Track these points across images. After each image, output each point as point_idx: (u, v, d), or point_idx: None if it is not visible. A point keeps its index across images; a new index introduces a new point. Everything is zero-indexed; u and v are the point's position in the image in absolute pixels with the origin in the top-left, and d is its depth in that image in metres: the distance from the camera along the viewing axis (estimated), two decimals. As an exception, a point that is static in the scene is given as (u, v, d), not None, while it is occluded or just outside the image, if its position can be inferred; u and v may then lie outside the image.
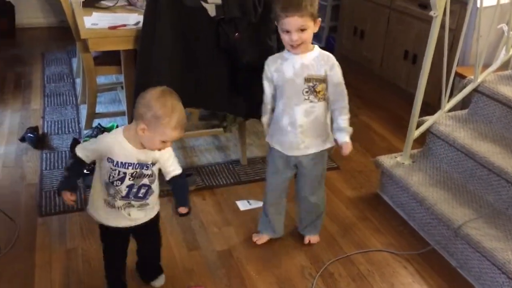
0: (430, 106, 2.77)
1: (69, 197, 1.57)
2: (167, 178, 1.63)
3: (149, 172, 1.57)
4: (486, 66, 2.54)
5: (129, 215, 1.62)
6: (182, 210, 1.66)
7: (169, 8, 2.07)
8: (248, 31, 2.16)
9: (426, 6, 3.18)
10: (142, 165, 1.54)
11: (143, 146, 1.52)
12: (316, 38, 4.75)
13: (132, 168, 1.53)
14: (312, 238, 2.12)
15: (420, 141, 2.48)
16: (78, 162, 1.56)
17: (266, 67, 1.83)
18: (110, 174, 1.53)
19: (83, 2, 2.59)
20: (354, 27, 4.09)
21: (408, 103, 2.44)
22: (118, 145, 1.51)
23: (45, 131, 2.91)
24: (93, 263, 1.93)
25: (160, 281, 1.86)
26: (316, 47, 1.79)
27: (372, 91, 3.81)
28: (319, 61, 1.76)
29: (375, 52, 3.86)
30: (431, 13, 2.05)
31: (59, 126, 2.98)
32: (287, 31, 1.68)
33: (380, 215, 2.35)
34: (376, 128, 3.21)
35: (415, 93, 2.28)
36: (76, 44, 2.84)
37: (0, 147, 2.73)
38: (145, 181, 1.58)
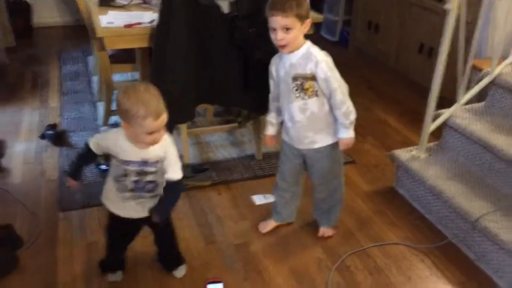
0: (446, 100, 2.75)
1: (72, 182, 1.67)
2: (164, 178, 1.61)
3: (152, 169, 1.59)
4: (502, 58, 2.51)
5: (139, 206, 1.65)
6: (154, 218, 1.61)
7: (183, 6, 2.09)
8: (262, 27, 2.17)
9: (441, -1, 3.15)
10: (145, 163, 1.57)
11: (141, 144, 1.54)
12: (330, 32, 4.75)
13: (135, 166, 1.56)
14: (325, 230, 2.13)
15: (436, 134, 2.47)
16: (87, 150, 1.61)
17: (270, 66, 1.88)
18: (116, 170, 1.59)
19: (99, 0, 2.62)
20: (369, 21, 4.08)
21: (423, 97, 2.43)
22: (119, 144, 1.55)
23: (64, 128, 2.96)
24: (113, 257, 1.97)
25: (180, 271, 1.90)
26: (306, 43, 1.77)
27: (386, 85, 3.79)
28: (304, 59, 1.76)
29: (390, 45, 3.84)
30: (446, 6, 2.04)
31: (77, 123, 3.03)
32: (274, 29, 1.70)
33: (396, 209, 2.35)
34: (391, 122, 3.20)
35: (431, 86, 2.27)
36: (92, 43, 2.88)
37: (20, 144, 2.79)
38: (150, 177, 1.60)
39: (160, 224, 1.66)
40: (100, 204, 2.24)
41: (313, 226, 2.20)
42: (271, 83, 1.91)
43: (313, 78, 1.76)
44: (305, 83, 1.77)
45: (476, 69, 2.75)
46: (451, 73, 2.59)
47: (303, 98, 1.80)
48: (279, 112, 1.95)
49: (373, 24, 4.03)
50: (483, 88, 2.49)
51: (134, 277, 1.89)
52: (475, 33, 2.35)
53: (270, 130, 2.01)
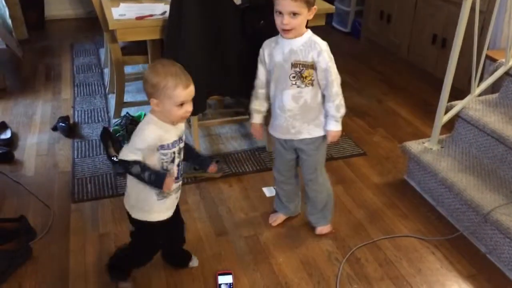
0: (459, 91, 2.72)
1: (172, 180, 1.53)
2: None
3: (183, 144, 1.60)
4: (518, 48, 2.47)
5: (175, 200, 1.65)
6: (212, 169, 1.71)
7: (194, -3, 2.08)
8: (273, 20, 2.16)
9: (455, -12, 3.10)
10: (180, 139, 1.57)
11: (178, 121, 1.53)
12: (342, 23, 4.71)
13: (177, 145, 1.55)
14: (324, 228, 2.10)
15: (448, 126, 2.44)
16: (139, 162, 1.47)
17: (261, 50, 1.83)
18: (162, 162, 1.52)
19: (110, -7, 2.63)
20: (381, 11, 4.03)
21: (436, 88, 2.41)
22: (163, 130, 1.50)
23: (76, 120, 2.99)
24: (124, 248, 1.99)
25: (195, 261, 1.92)
26: (308, 32, 1.76)
27: (398, 76, 3.75)
28: (307, 47, 1.73)
29: (403, 36, 3.80)
30: (460, -5, 2.01)
31: (89, 115, 3.06)
32: (280, 13, 1.66)
33: (407, 201, 2.33)
34: (402, 114, 3.18)
35: (443, 77, 2.24)
36: (104, 35, 2.90)
37: (33, 136, 2.82)
38: (182, 155, 1.61)
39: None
40: (113, 196, 2.30)
41: (324, 218, 2.20)
42: (260, 68, 1.85)
43: (313, 66, 1.74)
44: (304, 71, 1.74)
45: (490, 59, 2.71)
46: (464, 64, 2.56)
47: (298, 86, 1.77)
48: (266, 99, 1.90)
49: (385, 14, 3.98)
50: (497, 79, 2.45)
51: (147, 269, 1.90)
52: (490, 24, 2.31)
53: (257, 118, 1.94)
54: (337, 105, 1.81)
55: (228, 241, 2.06)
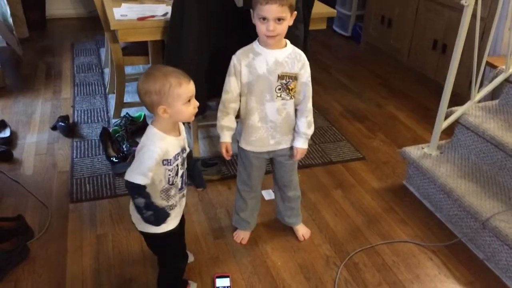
0: (459, 97, 2.72)
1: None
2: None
3: (186, 154, 1.57)
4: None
5: (182, 206, 1.63)
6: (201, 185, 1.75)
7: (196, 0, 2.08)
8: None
9: (457, -6, 3.11)
10: (183, 150, 1.53)
11: (176, 133, 1.49)
12: (343, 27, 4.72)
13: (180, 157, 1.51)
14: (303, 232, 2.09)
15: (447, 132, 2.45)
16: (144, 192, 1.42)
17: (235, 61, 1.72)
18: (167, 176, 1.48)
19: (112, -7, 2.63)
20: (382, 16, 4.04)
21: (435, 93, 2.41)
22: (168, 143, 1.45)
23: (75, 120, 2.99)
24: (122, 249, 1.99)
25: (191, 257, 1.91)
26: (289, 43, 1.71)
27: (398, 81, 3.76)
28: (293, 58, 1.70)
29: (403, 41, 3.80)
30: (462, 1, 2.01)
31: (89, 115, 3.05)
32: (264, 19, 1.59)
33: (406, 206, 2.33)
34: (402, 119, 3.18)
35: (443, 83, 2.24)
36: (105, 35, 2.89)
37: (32, 135, 2.82)
38: (185, 164, 1.58)
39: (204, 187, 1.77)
40: (111, 196, 2.29)
41: (321, 224, 2.19)
42: (233, 81, 1.73)
43: (297, 78, 1.72)
44: (290, 83, 1.71)
45: (490, 66, 2.72)
46: (464, 69, 2.56)
47: (283, 98, 1.73)
48: (235, 114, 1.80)
49: (386, 19, 3.99)
50: (497, 86, 2.46)
51: (144, 270, 1.90)
52: (491, 30, 2.31)
53: (228, 136, 1.82)
54: (309, 121, 1.80)
55: (226, 244, 2.06)
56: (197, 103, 1.47)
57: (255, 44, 1.72)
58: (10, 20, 3.82)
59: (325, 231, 2.15)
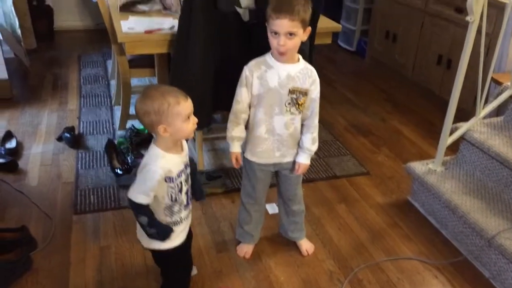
0: (464, 112, 2.72)
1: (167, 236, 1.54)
2: None
3: (189, 169, 1.57)
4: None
5: (188, 224, 1.63)
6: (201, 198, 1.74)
7: (203, 13, 2.10)
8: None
9: (462, 11, 3.13)
10: (186, 166, 1.54)
11: (178, 150, 1.50)
12: (348, 42, 4.74)
13: (184, 174, 1.52)
14: (307, 247, 2.08)
15: (452, 147, 2.44)
16: (147, 210, 1.46)
17: (247, 72, 1.72)
18: (170, 193, 1.48)
19: (120, 6, 2.66)
20: (386, 31, 4.06)
21: (440, 109, 2.41)
22: (169, 162, 1.46)
23: (81, 131, 3.00)
24: (125, 261, 1.98)
25: (194, 270, 1.91)
26: (301, 58, 1.73)
27: (403, 96, 3.76)
28: (304, 74, 1.71)
29: (408, 56, 3.82)
30: (468, 18, 2.02)
31: (94, 126, 3.07)
32: (275, 33, 1.60)
33: (410, 222, 2.32)
34: (407, 134, 3.17)
35: (448, 98, 2.24)
36: (112, 47, 2.92)
37: (38, 146, 2.83)
38: (189, 180, 1.58)
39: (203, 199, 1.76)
40: (115, 208, 2.29)
41: (325, 239, 2.18)
42: (244, 92, 1.73)
43: (307, 94, 1.73)
44: (300, 98, 1.72)
45: (495, 82, 2.72)
46: (469, 85, 2.56)
47: (292, 113, 1.74)
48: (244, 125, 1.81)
49: (391, 34, 4.01)
50: (503, 102, 2.46)
51: (147, 283, 1.89)
52: (496, 47, 2.32)
53: (239, 147, 1.83)
54: (314, 137, 1.81)
55: (229, 258, 2.05)
56: (196, 119, 1.47)
57: (268, 57, 1.73)
58: (19, 31, 3.86)
59: (328, 246, 2.14)
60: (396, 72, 4.01)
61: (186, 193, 1.56)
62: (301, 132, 1.82)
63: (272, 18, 1.59)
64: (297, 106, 1.73)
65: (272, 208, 2.35)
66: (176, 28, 2.22)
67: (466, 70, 2.15)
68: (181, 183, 1.50)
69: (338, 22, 4.16)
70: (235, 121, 1.80)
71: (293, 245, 2.12)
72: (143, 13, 2.66)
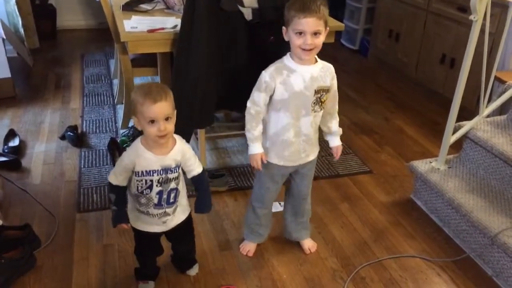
0: (467, 111, 2.72)
1: (124, 227, 1.67)
2: (189, 177, 1.68)
3: (174, 175, 1.60)
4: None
5: (164, 222, 1.68)
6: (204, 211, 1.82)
7: (206, 12, 2.10)
8: (282, 36, 2.18)
9: (466, 10, 3.12)
10: (166, 170, 1.58)
11: (162, 152, 1.55)
12: (350, 40, 4.74)
13: (157, 175, 1.57)
14: (310, 245, 2.09)
15: (455, 146, 2.44)
16: (118, 191, 1.61)
17: (267, 78, 1.68)
18: (137, 185, 1.58)
19: (123, 5, 2.67)
20: (390, 30, 4.05)
21: (443, 108, 2.41)
22: (140, 154, 1.54)
23: (84, 130, 3.01)
24: (128, 259, 1.98)
25: (195, 269, 1.93)
26: (317, 57, 1.74)
27: (406, 95, 3.76)
28: (325, 72, 1.73)
29: (411, 55, 3.81)
30: (471, 17, 2.02)
31: (97, 125, 3.07)
32: (301, 33, 1.59)
33: (413, 221, 2.32)
34: (409, 132, 3.17)
35: (452, 97, 2.24)
36: (115, 46, 2.93)
37: (41, 144, 2.84)
38: (173, 185, 1.62)
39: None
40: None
41: (328, 237, 2.18)
42: (263, 96, 1.70)
43: (329, 91, 1.76)
44: (324, 96, 1.74)
45: (499, 81, 2.71)
46: (473, 84, 2.56)
47: (316, 111, 1.76)
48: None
49: (393, 33, 4.00)
50: (506, 101, 2.45)
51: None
52: (499, 45, 2.31)
53: (260, 147, 1.79)
54: (337, 120, 1.89)
55: (232, 256, 2.05)
56: (164, 128, 1.47)
57: (287, 60, 1.70)
58: (21, 30, 3.87)
59: (331, 245, 2.14)
60: (399, 71, 4.00)
61: (159, 194, 1.60)
62: (325, 121, 1.85)
63: (298, 18, 1.58)
64: (320, 104, 1.75)
65: (275, 207, 2.34)
66: (178, 27, 2.22)
67: (469, 69, 2.15)
68: (151, 181, 1.57)
69: (341, 21, 4.17)
70: (256, 120, 1.76)
71: (296, 244, 2.12)
72: (146, 12, 2.66)
